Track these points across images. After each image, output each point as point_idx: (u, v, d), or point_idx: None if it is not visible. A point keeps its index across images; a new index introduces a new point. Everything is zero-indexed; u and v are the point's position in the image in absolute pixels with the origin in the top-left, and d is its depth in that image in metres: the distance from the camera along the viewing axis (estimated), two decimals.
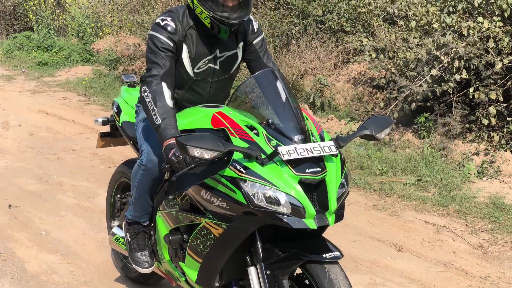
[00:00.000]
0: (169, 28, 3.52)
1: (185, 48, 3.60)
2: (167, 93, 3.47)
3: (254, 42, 3.81)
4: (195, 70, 3.67)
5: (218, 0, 3.45)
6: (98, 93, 11.94)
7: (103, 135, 4.79)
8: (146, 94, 3.47)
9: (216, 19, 3.46)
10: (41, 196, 6.43)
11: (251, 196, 2.90)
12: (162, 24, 3.54)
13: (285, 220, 2.89)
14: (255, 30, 3.80)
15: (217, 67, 3.72)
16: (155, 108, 3.40)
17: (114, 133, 4.76)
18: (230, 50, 3.74)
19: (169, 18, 3.56)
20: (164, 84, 3.48)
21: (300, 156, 2.94)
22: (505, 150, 7.12)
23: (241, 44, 3.79)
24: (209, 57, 3.67)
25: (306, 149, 2.97)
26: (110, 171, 6.18)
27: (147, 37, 3.72)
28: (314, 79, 9.83)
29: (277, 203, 2.89)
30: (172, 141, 3.24)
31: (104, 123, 4.69)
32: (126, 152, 6.83)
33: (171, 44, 3.53)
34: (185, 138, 2.88)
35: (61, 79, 13.52)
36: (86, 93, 11.99)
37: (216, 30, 3.53)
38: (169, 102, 3.45)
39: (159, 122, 3.35)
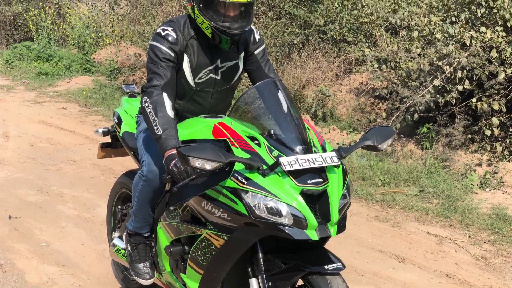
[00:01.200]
0: (170, 38, 3.51)
1: (186, 58, 3.58)
2: (168, 103, 3.45)
3: (256, 52, 3.80)
4: (196, 81, 3.65)
5: (219, 10, 3.44)
6: (99, 103, 11.95)
7: (103, 146, 4.78)
8: (147, 104, 3.45)
9: (217, 29, 3.44)
10: (41, 207, 6.40)
11: (253, 207, 2.88)
12: (163, 34, 3.53)
13: (286, 231, 2.86)
14: (257, 40, 3.79)
15: (218, 77, 3.71)
16: (156, 119, 3.38)
17: (114, 144, 4.75)
18: (231, 60, 3.73)
19: (170, 28, 3.55)
20: (165, 95, 3.46)
21: (301, 167, 2.92)
22: (508, 161, 7.10)
23: (242, 54, 3.77)
24: (210, 67, 3.66)
25: (308, 160, 2.95)
26: (110, 182, 6.16)
27: (148, 47, 3.72)
28: (316, 90, 9.82)
29: (279, 214, 2.87)
30: (173, 151, 3.22)
31: (104, 133, 4.67)
32: (127, 163, 6.81)
33: (172, 54, 3.51)
34: (186, 149, 2.87)
35: (62, 90, 13.54)
36: (86, 104, 11.99)
37: (217, 40, 3.52)
38: (170, 112, 3.43)
39: (160, 133, 3.33)
